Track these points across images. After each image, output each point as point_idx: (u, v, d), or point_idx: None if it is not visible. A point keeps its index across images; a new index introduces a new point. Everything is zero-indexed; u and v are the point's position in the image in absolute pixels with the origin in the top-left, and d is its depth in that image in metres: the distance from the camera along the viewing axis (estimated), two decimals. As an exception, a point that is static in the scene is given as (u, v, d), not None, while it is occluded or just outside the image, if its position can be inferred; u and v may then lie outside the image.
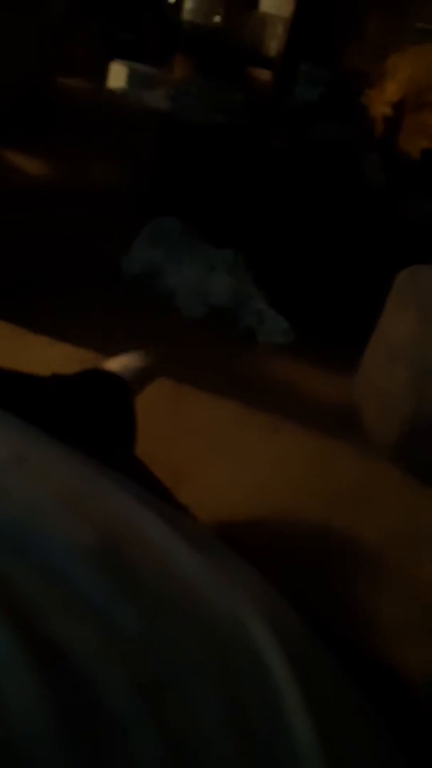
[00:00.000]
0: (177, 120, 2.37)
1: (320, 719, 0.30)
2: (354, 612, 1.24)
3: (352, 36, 3.05)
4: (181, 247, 2.35)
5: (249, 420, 1.77)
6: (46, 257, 2.07)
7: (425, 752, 0.46)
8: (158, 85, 2.49)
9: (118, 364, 1.28)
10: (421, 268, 1.86)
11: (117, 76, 2.54)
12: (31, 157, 2.02)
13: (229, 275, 2.29)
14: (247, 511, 1.44)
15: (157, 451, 1.47)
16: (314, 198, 2.43)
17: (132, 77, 2.50)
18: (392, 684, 0.57)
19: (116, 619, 0.29)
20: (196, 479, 1.49)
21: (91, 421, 1.01)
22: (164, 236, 2.37)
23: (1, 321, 1.89)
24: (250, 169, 2.43)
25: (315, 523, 1.46)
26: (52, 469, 0.40)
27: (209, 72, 2.75)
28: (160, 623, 0.31)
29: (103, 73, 2.60)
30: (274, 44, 2.95)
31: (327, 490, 1.58)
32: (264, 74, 2.87)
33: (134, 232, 2.36)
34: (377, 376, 1.86)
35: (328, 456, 1.71)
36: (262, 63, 2.92)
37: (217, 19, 2.87)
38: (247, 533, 1.36)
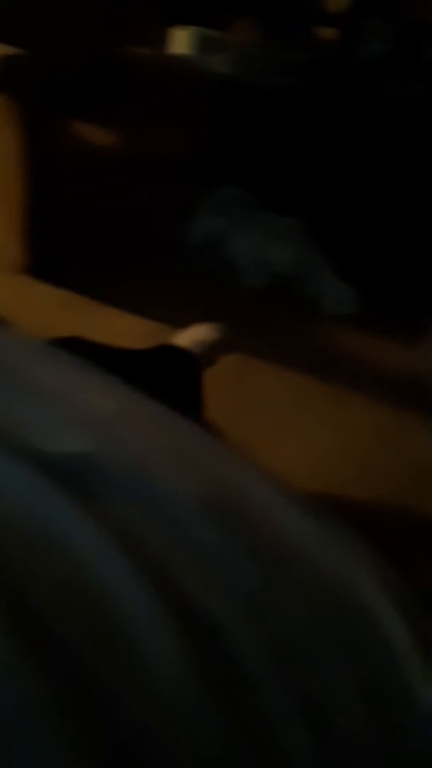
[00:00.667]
0: (240, 84, 2.32)
1: None
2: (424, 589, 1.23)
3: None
4: (244, 216, 2.33)
5: (314, 391, 1.76)
6: (111, 229, 2.09)
7: None
8: (222, 49, 2.44)
9: (189, 337, 1.28)
10: None
11: (181, 41, 2.49)
12: (95, 127, 2.02)
13: (292, 243, 2.26)
14: (314, 485, 1.44)
15: (222, 422, 1.49)
16: (382, 160, 2.35)
17: (195, 41, 2.45)
18: None
19: (238, 575, 0.29)
20: (262, 451, 1.48)
21: (160, 395, 1.03)
22: (227, 205, 2.35)
23: (71, 292, 1.93)
24: (315, 132, 2.37)
25: (383, 498, 1.45)
26: (157, 425, 0.41)
27: (274, 33, 2.67)
28: (277, 582, 0.31)
29: (165, 39, 2.56)
30: (339, 1, 2.85)
31: (396, 463, 1.56)
32: (329, 32, 2.77)
33: (197, 202, 2.35)
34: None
35: (397, 429, 1.68)
36: (327, 21, 2.82)
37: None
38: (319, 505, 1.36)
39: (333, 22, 2.83)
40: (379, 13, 2.85)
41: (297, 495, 0.44)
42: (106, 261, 2.03)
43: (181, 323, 1.67)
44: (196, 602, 0.27)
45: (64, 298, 1.91)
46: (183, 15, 2.60)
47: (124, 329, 1.85)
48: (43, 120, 1.75)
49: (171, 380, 1.12)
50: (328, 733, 0.26)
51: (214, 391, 1.65)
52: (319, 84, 2.50)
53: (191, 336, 1.27)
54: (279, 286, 2.20)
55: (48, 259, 1.95)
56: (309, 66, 2.54)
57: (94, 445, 0.34)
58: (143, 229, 2.19)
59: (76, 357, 0.45)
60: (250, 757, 0.24)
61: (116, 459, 0.33)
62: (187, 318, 1.79)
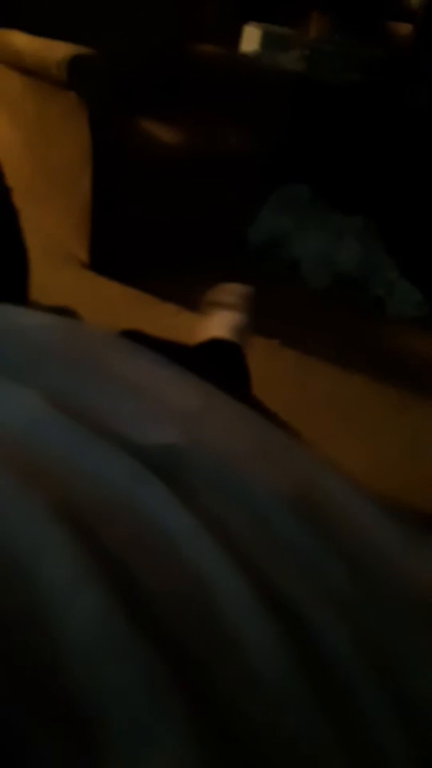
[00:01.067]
0: (311, 81, 2.29)
1: None
2: None
3: None
4: (309, 214, 2.29)
5: (378, 395, 1.71)
6: (177, 226, 2.09)
7: None
8: (293, 46, 2.40)
9: (223, 324, 1.27)
10: None
11: (251, 38, 2.48)
12: (166, 125, 2.03)
13: (358, 243, 2.20)
14: (376, 489, 1.39)
15: (280, 422, 1.46)
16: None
17: (266, 39, 2.43)
18: None
19: (328, 575, 0.29)
20: (322, 452, 1.46)
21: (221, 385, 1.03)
22: (292, 203, 2.32)
23: (135, 289, 1.94)
24: (387, 131, 2.30)
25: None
26: (237, 421, 0.40)
27: (347, 29, 2.62)
28: (366, 585, 0.30)
29: (235, 37, 2.55)
30: (416, -4, 2.77)
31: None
32: (405, 28, 2.69)
33: (263, 200, 2.32)
34: None
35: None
36: (403, 16, 2.74)
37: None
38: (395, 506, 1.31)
39: (410, 17, 2.75)
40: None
41: (372, 496, 0.42)
42: (169, 258, 2.03)
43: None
44: (290, 597, 0.27)
45: (127, 294, 1.93)
46: (254, 11, 2.58)
47: (185, 325, 1.85)
48: (111, 116, 1.76)
49: (224, 373, 1.12)
50: (424, 737, 0.25)
51: (275, 391, 1.63)
52: (392, 82, 2.43)
53: (225, 323, 1.26)
54: (344, 287, 2.15)
55: (112, 255, 1.97)
56: (382, 63, 2.48)
57: (181, 439, 0.34)
58: (208, 227, 2.18)
59: (156, 354, 0.46)
60: (347, 755, 0.24)
61: (202, 453, 0.33)
62: (248, 316, 1.78)
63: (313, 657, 0.25)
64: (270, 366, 1.72)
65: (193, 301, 1.93)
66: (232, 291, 1.37)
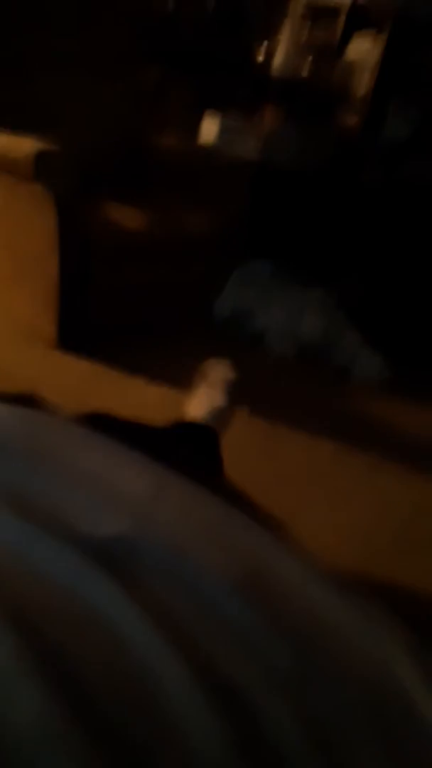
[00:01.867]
0: (269, 167, 2.43)
1: None
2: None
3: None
4: (272, 288, 2.38)
5: (346, 460, 1.73)
6: (143, 303, 2.15)
7: None
8: (249, 136, 2.56)
9: (203, 405, 1.29)
10: None
11: (210, 128, 2.64)
12: (130, 210, 2.12)
13: (320, 314, 2.28)
14: (348, 558, 1.39)
15: (252, 492, 1.46)
16: (407, 233, 2.39)
17: (223, 129, 2.59)
18: None
19: (270, 654, 0.29)
20: (293, 522, 1.45)
21: (185, 471, 1.03)
22: (255, 279, 2.41)
23: (103, 364, 1.97)
24: (342, 209, 2.44)
25: (421, 572, 1.38)
26: (190, 504, 0.41)
27: (298, 119, 2.81)
28: (312, 663, 0.30)
29: (195, 127, 2.72)
30: (361, 88, 2.99)
31: None
32: (352, 117, 2.89)
33: (227, 276, 2.41)
34: None
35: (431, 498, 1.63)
36: (350, 106, 2.95)
37: (305, 73, 2.95)
38: (350, 582, 1.30)
39: (356, 106, 2.96)
40: (400, 95, 2.98)
41: (328, 570, 0.43)
42: (136, 334, 2.08)
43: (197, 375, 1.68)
44: (230, 680, 0.27)
45: (96, 371, 1.95)
46: (212, 103, 2.76)
47: (154, 399, 1.87)
48: (77, 204, 1.85)
49: (194, 456, 1.14)
50: None
51: (243, 459, 1.64)
52: (344, 165, 2.60)
53: (203, 405, 1.29)
54: (308, 356, 2.21)
55: (80, 334, 2.01)
56: (334, 148, 2.65)
57: (132, 527, 0.34)
58: (175, 303, 2.25)
59: (107, 436, 0.46)
60: None
61: (154, 540, 0.34)
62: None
63: (254, 740, 0.26)
64: (239, 435, 1.73)
65: (162, 374, 1.96)
66: (218, 370, 1.40)
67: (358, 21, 2.95)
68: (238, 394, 1.35)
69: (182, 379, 1.92)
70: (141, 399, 1.84)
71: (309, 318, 2.25)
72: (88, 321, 2.02)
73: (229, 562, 0.34)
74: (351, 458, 1.74)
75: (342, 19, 2.95)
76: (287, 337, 2.24)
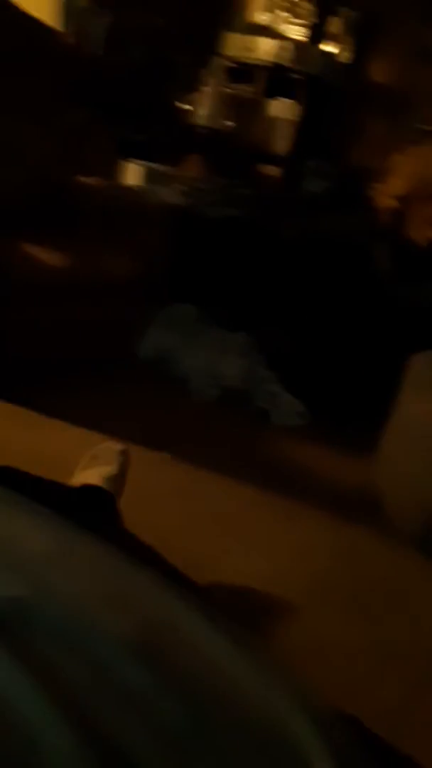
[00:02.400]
0: (191, 214, 2.47)
1: None
2: (385, 714, 1.15)
3: (355, 134, 3.23)
4: (195, 331, 2.39)
5: (265, 505, 1.73)
6: (63, 345, 2.11)
7: None
8: (172, 182, 2.61)
9: (97, 477, 1.35)
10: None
11: (133, 174, 2.67)
12: (50, 250, 2.09)
13: (242, 358, 2.32)
14: (264, 604, 1.37)
15: (170, 536, 1.44)
16: (324, 284, 2.48)
17: (147, 175, 2.63)
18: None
19: (163, 713, 0.30)
20: (211, 567, 1.43)
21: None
22: (178, 322, 2.42)
23: (19, 407, 1.90)
24: (261, 257, 2.51)
25: (339, 620, 1.38)
26: (92, 563, 0.42)
27: (221, 169, 2.90)
28: (204, 717, 0.31)
29: (117, 172, 2.74)
30: (281, 143, 3.13)
31: (350, 582, 1.51)
32: (272, 170, 3.01)
33: (149, 319, 2.41)
34: (395, 460, 1.82)
35: (350, 545, 1.65)
36: (270, 160, 3.08)
37: (228, 123, 3.06)
38: (266, 628, 1.29)
39: (277, 161, 3.09)
40: (319, 154, 3.14)
41: (233, 626, 0.44)
42: (56, 375, 2.03)
43: (131, 436, 1.65)
44: (119, 743, 0.27)
45: (12, 412, 1.88)
46: (137, 151, 2.80)
47: (72, 441, 1.82)
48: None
49: (94, 517, 1.21)
50: None
51: (163, 506, 1.61)
52: (263, 216, 2.69)
53: (99, 474, 1.36)
54: (229, 400, 2.22)
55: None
56: (254, 199, 2.74)
57: (27, 589, 0.34)
58: (96, 346, 2.21)
59: (15, 494, 0.46)
60: None
61: (49, 601, 0.34)
62: (136, 430, 1.79)
63: None
64: (159, 479, 1.71)
65: (82, 417, 1.91)
66: (107, 448, 1.47)
67: (279, 80, 3.10)
68: (127, 464, 1.41)
69: (101, 422, 1.88)
70: (59, 443, 1.78)
71: (231, 362, 2.27)
72: (4, 360, 1.95)
73: (126, 623, 0.35)
74: (270, 503, 1.74)
75: (264, 75, 3.09)
76: (210, 380, 2.25)
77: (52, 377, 2.00)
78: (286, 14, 3.17)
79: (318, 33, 3.17)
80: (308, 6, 3.15)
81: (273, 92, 3.11)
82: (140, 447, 1.64)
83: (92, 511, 1.26)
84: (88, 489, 1.30)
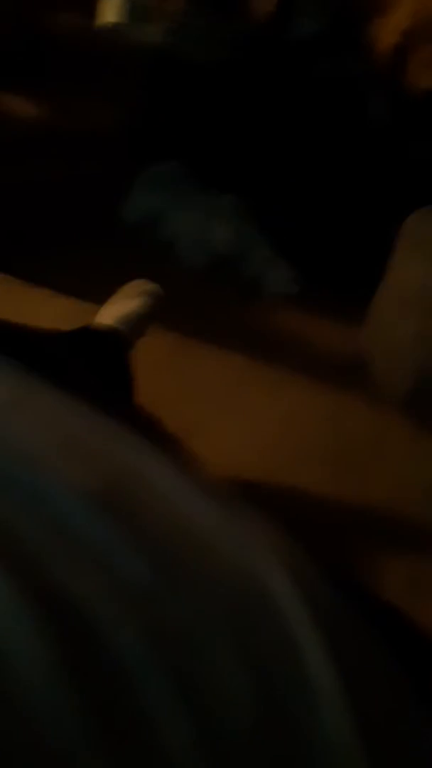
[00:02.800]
0: (174, 56, 2.24)
1: (346, 675, 0.29)
2: (366, 566, 1.22)
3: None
4: (182, 193, 2.26)
5: (254, 375, 1.73)
6: (42, 207, 1.99)
7: None
8: (155, 18, 2.34)
9: (114, 312, 1.21)
10: (431, 212, 1.79)
11: (112, 9, 2.39)
12: (21, 99, 1.92)
13: (232, 222, 2.21)
14: (255, 471, 1.41)
15: (158, 407, 1.44)
16: (319, 138, 2.32)
17: (126, 10, 2.35)
18: (412, 638, 0.57)
19: (122, 568, 0.29)
20: (200, 438, 1.44)
21: (86, 378, 0.98)
22: (164, 182, 2.28)
23: (4, 274, 1.83)
24: (251, 108, 2.32)
25: (325, 481, 1.43)
26: (51, 414, 0.39)
27: (207, 3, 2.59)
28: (169, 572, 0.30)
29: (95, 7, 2.45)
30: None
31: (337, 446, 1.55)
32: (266, 4, 2.70)
33: (132, 179, 2.27)
34: (386, 325, 1.80)
35: (338, 411, 1.67)
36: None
37: None
38: (255, 493, 1.33)
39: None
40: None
41: (206, 480, 0.42)
42: (36, 241, 1.93)
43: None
44: (69, 595, 0.26)
45: (-7, 281, 1.81)
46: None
47: (59, 310, 1.77)
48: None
49: (95, 362, 1.06)
50: (213, 727, 0.25)
51: (152, 377, 1.60)
52: (253, 60, 2.44)
53: (117, 310, 1.21)
54: (218, 266, 2.15)
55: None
56: (243, 40, 2.48)
57: None
58: (77, 208, 2.09)
59: None
60: (124, 757, 0.23)
61: (1, 452, 0.32)
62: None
63: (90, 660, 0.24)
64: (146, 349, 1.69)
65: (65, 284, 1.85)
66: (138, 286, 1.31)
67: None
68: (158, 306, 1.27)
69: (87, 291, 1.82)
70: (42, 312, 1.74)
71: (220, 227, 2.17)
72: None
73: (88, 475, 0.33)
74: (259, 372, 1.74)
75: None
76: (197, 245, 2.16)
77: (32, 242, 1.91)
78: None
79: None
80: None
81: None
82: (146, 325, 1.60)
83: (92, 358, 1.08)
84: (91, 332, 1.13)
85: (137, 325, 1.22)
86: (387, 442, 1.59)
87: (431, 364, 1.62)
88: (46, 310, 1.75)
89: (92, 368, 1.03)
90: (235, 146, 2.30)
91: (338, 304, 2.03)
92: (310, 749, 0.27)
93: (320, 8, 2.79)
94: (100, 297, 1.72)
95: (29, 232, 1.93)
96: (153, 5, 2.47)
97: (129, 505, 0.33)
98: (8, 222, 1.91)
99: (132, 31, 2.30)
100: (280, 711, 0.27)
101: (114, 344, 1.14)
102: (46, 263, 1.89)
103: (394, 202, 2.00)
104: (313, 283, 2.12)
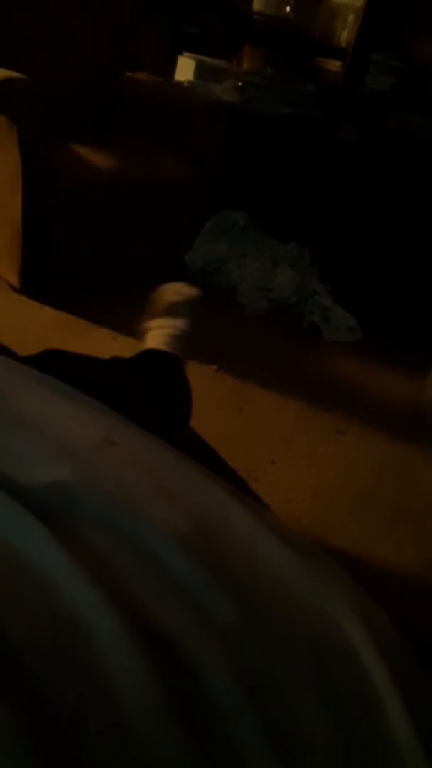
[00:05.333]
0: (246, 112, 2.33)
1: (420, 726, 0.29)
2: (428, 619, 1.17)
3: (424, 25, 2.93)
4: (246, 240, 2.31)
5: (313, 420, 1.71)
6: (111, 251, 2.06)
7: None
8: (227, 78, 2.44)
9: (162, 337, 1.20)
10: None
11: (185, 69, 2.51)
12: (100, 151, 2.02)
13: (294, 270, 2.23)
14: (310, 516, 1.38)
15: (217, 448, 1.44)
16: (385, 192, 2.34)
17: (200, 70, 2.46)
18: None
19: (211, 606, 0.29)
20: (258, 480, 1.44)
21: (152, 399, 0.99)
22: (228, 230, 2.34)
23: (69, 315, 1.89)
24: (319, 161, 2.36)
25: (380, 532, 1.38)
26: (140, 454, 0.40)
27: (279, 63, 2.69)
28: (254, 614, 0.30)
29: (170, 67, 2.58)
30: (344, 35, 2.87)
31: (394, 497, 1.50)
32: (334, 65, 2.79)
33: (199, 226, 2.33)
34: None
35: (396, 462, 1.63)
36: (332, 53, 2.84)
37: (288, 10, 2.81)
38: (313, 540, 1.30)
39: (339, 54, 2.85)
40: (384, 47, 2.88)
41: (281, 525, 0.42)
42: (104, 283, 2.00)
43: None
44: (168, 633, 0.27)
45: (60, 320, 1.88)
46: (188, 44, 2.62)
47: (119, 351, 1.81)
48: (42, 139, 1.73)
49: (155, 385, 1.07)
50: (300, 765, 0.26)
51: (210, 416, 1.61)
52: (324, 115, 2.51)
53: (163, 334, 1.20)
54: (280, 313, 2.17)
55: (44, 279, 1.92)
56: (313, 97, 2.55)
57: (72, 476, 0.33)
58: (143, 252, 2.16)
59: (62, 382, 0.45)
60: None
61: (95, 490, 0.33)
62: (184, 341, 1.76)
63: (189, 693, 0.25)
64: (208, 392, 1.70)
65: (128, 327, 1.90)
66: (177, 291, 1.29)
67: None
68: (198, 311, 1.25)
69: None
70: (105, 352, 1.78)
71: (282, 273, 2.19)
72: (53, 266, 1.93)
73: (174, 514, 0.34)
74: (318, 418, 1.72)
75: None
76: (259, 291, 2.19)
77: (99, 285, 1.98)
78: None
79: None
80: None
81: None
82: (188, 359, 1.62)
83: (155, 380, 1.08)
84: (149, 355, 1.13)
85: (186, 342, 1.21)
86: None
87: None
88: (108, 351, 1.79)
89: (153, 391, 1.03)
90: (300, 197, 2.35)
91: (399, 353, 2.00)
92: None
93: (390, 67, 2.86)
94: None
95: (95, 275, 1.99)
96: (224, 66, 2.59)
97: (214, 547, 0.33)
98: (80, 265, 1.98)
99: (205, 89, 2.40)
100: (362, 758, 0.27)
101: (171, 365, 1.14)
102: (111, 305, 1.94)
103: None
104: (374, 331, 2.11)
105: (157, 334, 1.21)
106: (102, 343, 1.84)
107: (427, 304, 2.08)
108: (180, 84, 2.50)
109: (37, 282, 1.92)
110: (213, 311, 2.14)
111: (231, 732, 0.25)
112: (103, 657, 0.24)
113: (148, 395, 0.99)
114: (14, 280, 1.92)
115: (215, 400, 1.69)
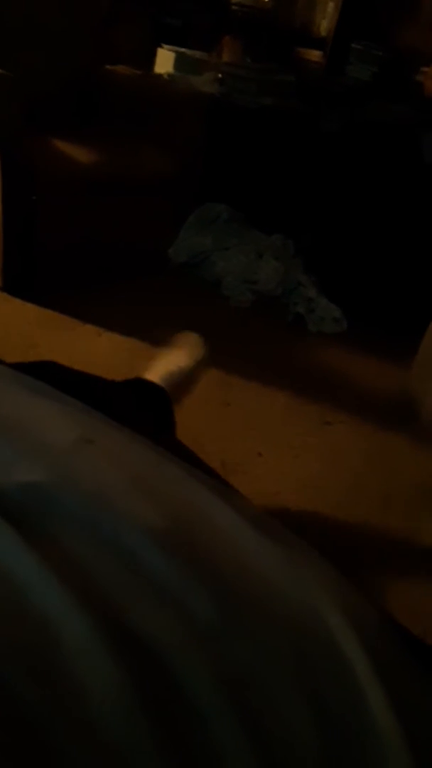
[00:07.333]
0: (227, 104, 2.32)
1: (404, 718, 0.29)
2: (413, 613, 1.17)
3: (404, 13, 2.93)
4: (229, 233, 2.30)
5: (300, 411, 1.72)
6: (94, 246, 2.05)
7: None
8: (206, 69, 2.43)
9: (161, 371, 1.24)
10: None
11: (165, 61, 2.49)
12: (79, 145, 2.00)
13: (278, 261, 2.23)
14: (299, 507, 1.39)
15: (205, 442, 1.44)
16: (368, 181, 2.34)
17: (180, 62, 2.45)
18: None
19: (191, 604, 0.29)
20: (245, 472, 1.44)
21: (137, 417, 1.00)
22: (211, 223, 2.33)
23: (52, 311, 1.88)
24: (301, 151, 2.36)
25: (370, 522, 1.39)
26: (119, 453, 0.40)
27: (258, 54, 2.68)
28: (234, 611, 0.30)
29: (150, 60, 2.56)
30: (324, 24, 2.87)
31: (382, 485, 1.51)
32: (314, 55, 2.78)
33: (182, 220, 2.32)
34: (435, 365, 1.77)
35: (384, 450, 1.64)
36: (312, 43, 2.83)
37: (266, 3, 2.80)
38: (299, 531, 1.30)
39: (319, 44, 2.84)
40: (364, 36, 2.87)
41: (265, 519, 0.42)
42: (87, 278, 1.99)
43: (164, 342, 1.63)
44: (143, 632, 0.27)
45: (44, 316, 1.87)
46: (167, 36, 2.60)
47: (107, 346, 1.81)
48: (23, 134, 1.72)
49: (144, 408, 1.10)
50: (277, 765, 0.26)
51: (198, 411, 1.61)
52: (305, 105, 2.50)
53: (166, 367, 1.24)
54: (264, 305, 2.17)
55: (26, 277, 1.91)
56: (293, 88, 2.54)
57: (48, 476, 0.33)
58: (126, 246, 2.15)
59: (42, 382, 0.45)
60: None
61: (72, 489, 0.33)
62: (169, 336, 1.76)
63: (164, 692, 0.25)
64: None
65: (113, 322, 1.89)
66: (189, 339, 1.35)
67: None
68: (203, 368, 1.30)
69: (135, 327, 1.86)
70: (90, 348, 1.78)
71: (266, 265, 2.19)
72: (34, 263, 1.92)
73: (155, 513, 0.33)
74: (305, 409, 1.73)
75: None
76: (244, 284, 2.18)
77: (83, 280, 1.97)
78: None
79: None
80: None
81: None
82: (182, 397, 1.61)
83: (140, 407, 1.10)
84: (140, 384, 1.16)
85: (183, 383, 1.25)
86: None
87: None
88: (94, 347, 1.79)
89: (141, 411, 1.05)
90: (283, 188, 2.34)
91: (385, 343, 2.01)
92: None
93: (370, 56, 2.86)
94: (147, 334, 1.75)
95: (79, 271, 1.98)
96: (204, 57, 2.57)
97: (194, 542, 0.33)
98: (59, 260, 1.97)
99: (185, 81, 2.39)
100: (344, 754, 0.27)
101: (160, 399, 1.17)
102: (95, 301, 1.94)
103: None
104: (360, 321, 2.11)
105: (157, 366, 1.25)
106: (88, 339, 1.83)
107: (411, 293, 2.09)
108: (160, 76, 2.48)
109: (23, 279, 1.90)
110: (197, 304, 2.15)
111: (209, 730, 0.25)
112: (74, 658, 0.24)
113: (137, 410, 1.01)
114: (-3, 278, 1.90)
115: (202, 393, 1.69)
